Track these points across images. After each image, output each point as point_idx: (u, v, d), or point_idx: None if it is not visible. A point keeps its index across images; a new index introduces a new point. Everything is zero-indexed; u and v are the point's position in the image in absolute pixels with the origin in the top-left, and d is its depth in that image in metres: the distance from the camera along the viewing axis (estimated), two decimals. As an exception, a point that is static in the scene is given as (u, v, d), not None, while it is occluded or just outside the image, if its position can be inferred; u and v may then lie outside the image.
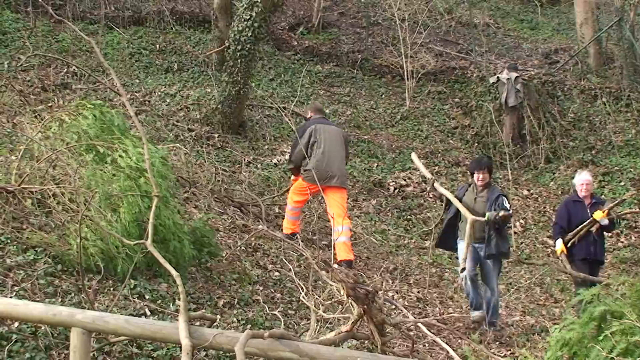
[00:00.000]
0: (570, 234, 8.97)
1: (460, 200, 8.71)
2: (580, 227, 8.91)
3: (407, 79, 16.59)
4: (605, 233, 9.30)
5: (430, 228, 11.63)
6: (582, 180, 9.20)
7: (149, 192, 6.66)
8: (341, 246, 9.24)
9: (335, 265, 7.78)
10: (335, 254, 8.95)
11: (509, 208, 8.51)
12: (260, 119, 14.00)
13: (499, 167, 14.40)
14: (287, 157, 10.15)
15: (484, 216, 8.37)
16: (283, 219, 10.52)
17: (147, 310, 6.28)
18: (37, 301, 5.62)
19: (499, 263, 8.79)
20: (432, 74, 17.61)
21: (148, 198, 6.68)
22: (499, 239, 8.50)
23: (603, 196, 11.64)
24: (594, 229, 8.89)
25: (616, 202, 9.32)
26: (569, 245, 8.99)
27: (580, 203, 9.14)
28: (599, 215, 8.81)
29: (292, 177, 10.39)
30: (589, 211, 8.98)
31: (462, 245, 8.59)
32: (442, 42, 19.66)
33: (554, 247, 9.50)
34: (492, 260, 8.60)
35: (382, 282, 9.41)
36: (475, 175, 8.78)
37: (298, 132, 10.15)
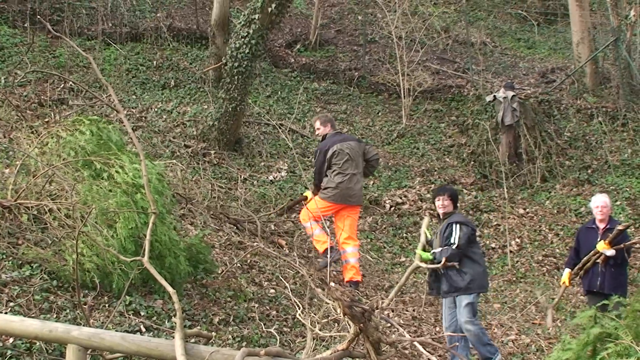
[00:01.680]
0: (580, 264, 8.40)
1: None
2: (586, 257, 8.33)
3: (404, 96, 16.66)
4: (619, 263, 8.27)
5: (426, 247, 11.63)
6: (598, 202, 8.49)
7: (146, 208, 6.68)
8: (350, 267, 9.31)
9: (332, 284, 7.79)
10: (339, 274, 8.97)
11: (456, 240, 7.49)
12: (256, 135, 14.04)
13: (495, 186, 14.44)
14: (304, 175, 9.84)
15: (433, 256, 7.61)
16: (279, 236, 10.55)
17: (142, 327, 6.28)
18: (33, 317, 5.62)
19: (468, 299, 7.59)
20: (428, 92, 17.68)
21: (145, 214, 6.69)
22: (453, 274, 7.56)
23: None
24: (600, 260, 8.18)
25: (615, 232, 8.06)
26: (578, 276, 8.49)
27: (593, 230, 8.48)
28: (601, 246, 8.12)
29: (307, 194, 10.13)
30: (600, 239, 8.28)
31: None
32: (439, 60, 19.75)
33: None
34: (455, 297, 7.66)
35: (379, 301, 9.41)
36: (436, 203, 7.97)
37: (320, 152, 9.84)
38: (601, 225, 8.43)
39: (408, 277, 7.35)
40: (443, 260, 7.10)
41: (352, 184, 9.57)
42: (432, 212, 12.88)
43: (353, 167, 9.60)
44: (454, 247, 7.46)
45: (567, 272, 8.59)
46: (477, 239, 8.44)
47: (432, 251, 7.60)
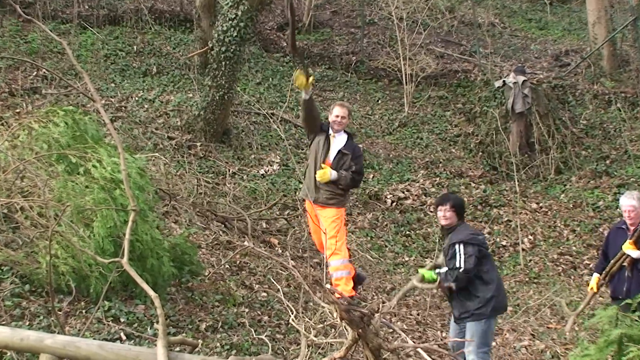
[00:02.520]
0: (607, 268, 8.12)
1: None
2: (613, 260, 8.03)
3: (406, 83, 16.65)
4: None
5: (431, 246, 11.65)
6: (625, 205, 8.08)
7: (125, 206, 6.65)
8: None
9: (328, 286, 7.77)
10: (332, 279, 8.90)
11: (457, 265, 7.03)
12: (246, 126, 14.01)
13: (506, 179, 14.44)
14: (341, 178, 8.72)
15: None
16: (271, 234, 10.53)
17: (122, 334, 6.26)
18: (3, 324, 5.59)
19: (479, 326, 7.17)
20: (432, 78, 17.67)
21: (124, 212, 6.66)
22: (464, 297, 7.14)
23: None
24: (626, 263, 7.92)
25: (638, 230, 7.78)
26: (606, 280, 8.21)
27: (622, 231, 8.13)
28: (627, 246, 7.84)
29: (334, 207, 8.90)
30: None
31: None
32: (443, 43, 19.74)
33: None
34: (466, 323, 7.25)
35: (379, 304, 9.40)
36: (437, 213, 7.45)
37: (361, 153, 9.20)
38: (632, 227, 8.05)
39: (403, 295, 7.30)
40: (449, 284, 6.93)
41: None
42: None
43: None
44: (460, 270, 7.01)
45: (595, 277, 8.32)
46: (488, 246, 8.01)
47: (436, 271, 7.22)
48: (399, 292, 6.91)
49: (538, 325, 9.95)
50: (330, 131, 8.84)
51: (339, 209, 8.73)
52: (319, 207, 8.63)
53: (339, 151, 8.77)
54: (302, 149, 13.85)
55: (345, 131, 8.93)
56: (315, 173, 8.74)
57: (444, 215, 7.28)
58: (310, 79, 8.65)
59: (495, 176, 14.65)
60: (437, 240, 11.84)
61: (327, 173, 8.64)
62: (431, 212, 12.97)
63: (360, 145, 14.67)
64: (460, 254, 6.96)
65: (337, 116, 8.81)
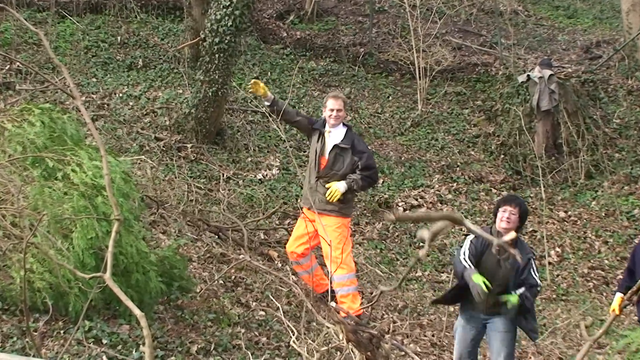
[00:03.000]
0: (634, 287, 7.66)
1: (479, 257, 7.24)
2: None
3: (419, 77, 16.65)
4: None
5: (447, 259, 11.64)
6: None
7: (108, 215, 6.65)
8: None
9: (333, 304, 7.76)
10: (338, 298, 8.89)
11: (538, 282, 7.08)
12: (242, 125, 14.02)
13: (530, 184, 14.43)
14: (359, 182, 8.66)
15: (504, 287, 7.12)
16: (270, 246, 10.53)
17: (104, 357, 6.26)
18: (-28, 347, 5.60)
19: (514, 340, 7.38)
20: (449, 72, 17.68)
21: (107, 221, 6.66)
22: (530, 316, 7.16)
23: None
24: None
25: None
26: (632, 301, 7.99)
27: None
28: None
29: (339, 216, 8.84)
30: None
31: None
32: (460, 34, 19.75)
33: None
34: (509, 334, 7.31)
35: (390, 324, 9.39)
36: (500, 213, 7.20)
37: (368, 148, 9.07)
38: None
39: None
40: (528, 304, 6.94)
41: None
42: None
43: None
44: (538, 288, 7.10)
45: (618, 297, 8.02)
46: None
47: (518, 292, 6.98)
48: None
49: (567, 348, 9.93)
50: (326, 126, 8.82)
51: (341, 218, 8.69)
52: (320, 214, 8.59)
53: (335, 146, 8.77)
54: (304, 151, 13.85)
55: (344, 124, 8.92)
56: (312, 178, 8.75)
57: (509, 217, 7.11)
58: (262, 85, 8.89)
59: (518, 181, 14.64)
60: (453, 253, 11.82)
61: (335, 189, 8.68)
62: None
63: (370, 147, 14.72)
64: (535, 271, 7.01)
65: (332, 110, 8.77)
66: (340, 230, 8.62)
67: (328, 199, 8.61)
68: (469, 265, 7.05)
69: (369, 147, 9.00)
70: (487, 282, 6.87)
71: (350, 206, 8.89)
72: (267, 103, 8.85)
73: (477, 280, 6.83)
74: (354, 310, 8.33)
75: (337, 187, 8.61)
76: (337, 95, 8.95)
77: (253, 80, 9.03)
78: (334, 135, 8.78)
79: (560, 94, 14.98)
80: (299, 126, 9.15)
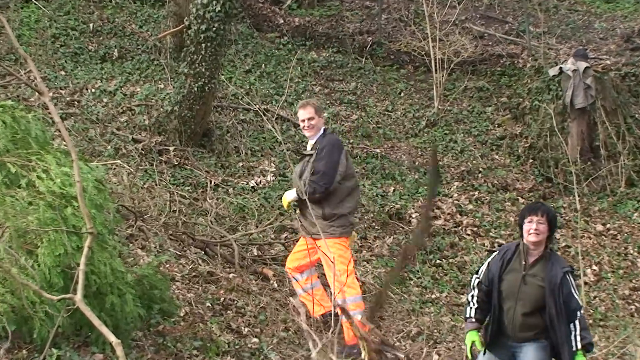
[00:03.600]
0: None
1: (499, 278, 7.17)
2: None
3: (436, 70, 16.65)
4: None
5: (468, 278, 11.62)
6: None
7: (79, 228, 6.65)
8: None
9: (358, 315, 7.80)
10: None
11: (580, 301, 6.94)
12: (232, 125, 14.03)
13: (563, 193, 14.42)
14: (311, 188, 8.54)
15: (534, 307, 6.99)
16: (265, 264, 10.53)
17: (75, 391, 6.26)
18: None
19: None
20: (469, 64, 17.69)
21: (77, 236, 6.66)
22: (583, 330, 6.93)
23: None
24: None
25: None
26: None
27: None
28: None
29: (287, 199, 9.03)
30: None
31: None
32: (483, 20, 19.77)
33: None
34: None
35: (421, 348, 9.38)
36: (526, 225, 7.06)
37: (334, 147, 8.93)
38: None
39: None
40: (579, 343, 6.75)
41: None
42: (478, 232, 12.91)
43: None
44: (580, 311, 6.89)
45: None
46: None
47: (577, 343, 6.80)
48: None
49: (606, 380, 9.92)
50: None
51: (332, 239, 8.61)
52: (313, 239, 8.62)
53: (303, 155, 8.98)
54: (301, 154, 13.86)
55: (325, 130, 8.94)
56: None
57: (537, 228, 6.95)
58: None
59: (549, 189, 14.64)
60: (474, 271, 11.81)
61: (284, 197, 8.91)
62: (468, 235, 12.96)
63: (377, 150, 14.74)
64: (574, 287, 6.85)
65: (303, 120, 8.80)
66: (337, 247, 8.55)
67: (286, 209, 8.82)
68: (470, 311, 7.26)
69: (341, 151, 8.75)
70: (477, 343, 7.07)
71: (338, 224, 8.75)
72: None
73: (468, 340, 7.02)
74: (349, 340, 8.37)
75: (285, 196, 8.81)
76: (304, 104, 8.92)
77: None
78: (309, 144, 8.88)
79: (597, 90, 14.97)
80: None
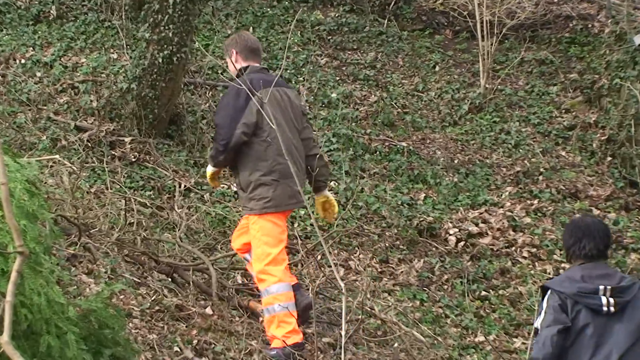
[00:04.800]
0: None
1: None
2: None
3: (483, 37, 16.69)
4: None
5: (524, 316, 11.65)
6: None
7: (4, 246, 6.71)
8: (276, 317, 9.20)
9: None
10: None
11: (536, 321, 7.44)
12: (209, 109, 14.08)
13: (651, 203, 14.46)
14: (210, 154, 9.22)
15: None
16: (251, 294, 10.57)
17: None
18: None
19: None
20: (527, 29, 17.74)
21: (2, 256, 6.72)
22: None
23: None
24: None
25: None
26: None
27: None
28: None
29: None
30: None
31: None
32: (546, -30, 19.83)
33: None
34: None
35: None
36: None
37: (227, 97, 9.38)
38: None
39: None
40: None
41: (294, 171, 9.23)
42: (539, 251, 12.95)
43: (291, 136, 9.41)
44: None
45: None
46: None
47: None
48: None
49: None
50: None
51: (253, 216, 8.95)
52: None
53: None
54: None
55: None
56: None
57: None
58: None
59: (634, 197, 14.65)
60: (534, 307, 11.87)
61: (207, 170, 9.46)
62: (524, 258, 13.00)
63: (403, 144, 14.81)
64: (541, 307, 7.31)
65: None
66: (257, 228, 8.93)
67: None
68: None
69: (239, 95, 8.92)
70: None
71: (259, 196, 8.92)
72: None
73: None
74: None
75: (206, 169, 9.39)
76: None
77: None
78: None
79: (699, 64, 15.03)
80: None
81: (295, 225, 12.17)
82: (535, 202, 14.19)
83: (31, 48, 14.27)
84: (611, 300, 7.03)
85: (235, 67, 9.20)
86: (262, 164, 8.83)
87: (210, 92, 14.49)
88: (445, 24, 18.16)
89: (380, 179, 13.72)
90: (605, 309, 7.05)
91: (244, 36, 9.77)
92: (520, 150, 15.50)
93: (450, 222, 13.52)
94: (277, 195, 8.77)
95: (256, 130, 8.88)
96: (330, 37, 17.25)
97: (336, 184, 13.47)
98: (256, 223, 8.79)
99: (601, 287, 7.05)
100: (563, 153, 15.63)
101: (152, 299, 9.58)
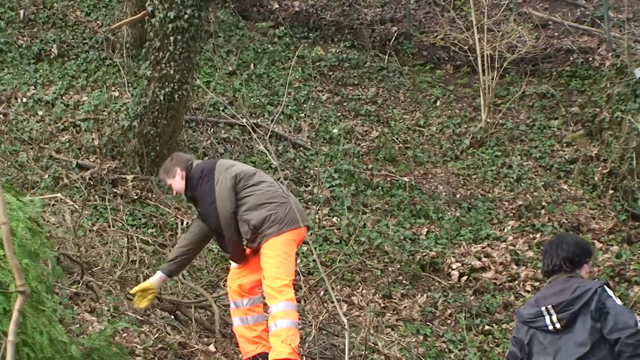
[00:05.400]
0: None
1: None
2: None
3: (484, 71, 16.71)
4: None
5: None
6: None
7: (6, 285, 6.70)
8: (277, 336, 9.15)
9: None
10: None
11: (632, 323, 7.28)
12: (211, 146, 14.08)
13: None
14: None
15: None
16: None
17: None
18: None
19: None
20: (528, 63, 17.75)
21: (4, 295, 6.71)
22: None
23: None
24: None
25: None
26: None
27: None
28: None
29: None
30: None
31: None
32: (547, 3, 19.85)
33: None
34: None
35: None
36: (587, 267, 7.86)
37: (202, 188, 9.34)
38: None
39: None
40: None
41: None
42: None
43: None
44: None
45: None
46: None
47: None
48: None
49: None
50: None
51: (272, 239, 9.01)
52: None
53: None
54: (303, 183, 13.91)
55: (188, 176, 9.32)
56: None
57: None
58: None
59: (636, 230, 14.64)
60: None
61: None
62: (527, 292, 12.98)
63: (405, 179, 14.82)
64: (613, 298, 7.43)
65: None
66: (280, 244, 9.01)
67: None
68: None
69: (210, 177, 9.11)
70: None
71: (269, 225, 9.09)
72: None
73: None
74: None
75: None
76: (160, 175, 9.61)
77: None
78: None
79: (702, 96, 15.03)
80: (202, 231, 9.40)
81: (298, 261, 12.15)
82: (538, 235, 14.18)
83: (33, 87, 14.30)
84: (554, 317, 7.28)
85: (179, 185, 9.27)
86: (264, 204, 8.93)
87: (212, 129, 14.50)
88: (446, 58, 18.19)
89: (383, 214, 13.72)
90: (550, 327, 7.31)
91: (180, 155, 9.94)
92: (522, 184, 15.50)
93: (453, 257, 13.51)
94: (291, 210, 8.85)
95: (240, 191, 9.05)
96: (331, 72, 17.29)
97: (338, 219, 13.48)
98: (275, 243, 8.78)
99: (543, 308, 7.32)
100: (565, 186, 15.63)
101: (155, 336, 9.57)
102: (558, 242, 7.64)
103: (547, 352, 7.46)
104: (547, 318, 7.32)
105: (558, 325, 7.25)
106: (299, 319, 9.14)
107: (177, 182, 9.14)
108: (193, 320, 10.27)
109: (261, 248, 8.79)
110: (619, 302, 7.26)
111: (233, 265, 9.18)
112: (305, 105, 15.91)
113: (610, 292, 7.23)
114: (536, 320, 7.42)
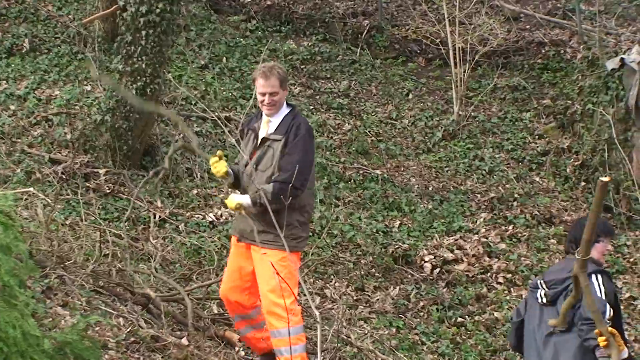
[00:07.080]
0: None
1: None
2: None
3: (456, 64, 16.74)
4: None
5: (500, 342, 11.68)
6: None
7: (-21, 279, 6.71)
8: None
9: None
10: None
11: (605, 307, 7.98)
12: (182, 139, 14.06)
13: (627, 226, 14.45)
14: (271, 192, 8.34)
15: None
16: (227, 325, 10.56)
17: None
18: None
19: None
20: (500, 55, 17.79)
21: (-23, 289, 6.72)
22: None
23: None
24: None
25: None
26: None
27: None
28: None
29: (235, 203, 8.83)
30: None
31: None
32: (518, -3, 19.91)
33: None
34: None
35: None
36: (601, 245, 8.41)
37: (310, 143, 8.92)
38: None
39: None
40: None
41: None
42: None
43: None
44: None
45: None
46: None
47: None
48: None
49: None
50: (263, 115, 8.79)
51: (283, 252, 8.60)
52: (251, 246, 8.73)
53: (264, 139, 8.75)
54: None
55: (288, 104, 8.90)
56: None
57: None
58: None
59: (609, 222, 14.67)
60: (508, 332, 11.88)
61: (231, 199, 8.69)
62: (499, 284, 13.03)
63: (378, 172, 14.84)
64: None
65: (263, 94, 8.62)
66: (284, 265, 8.56)
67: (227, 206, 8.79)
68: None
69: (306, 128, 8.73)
70: None
71: (294, 235, 8.71)
72: (231, 180, 8.76)
73: None
74: None
75: (232, 198, 8.67)
76: (267, 73, 8.59)
77: (214, 158, 8.73)
78: (272, 124, 8.69)
79: (671, 89, 15.07)
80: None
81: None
82: (510, 227, 14.23)
83: (4, 81, 14.26)
84: (542, 292, 8.15)
85: (281, 99, 8.77)
86: (306, 207, 8.78)
87: (185, 123, 14.49)
88: (418, 51, 18.22)
89: (355, 207, 13.75)
90: (539, 300, 8.18)
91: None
92: (495, 176, 15.55)
93: (426, 249, 13.55)
94: (307, 234, 8.87)
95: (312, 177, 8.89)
96: (303, 66, 17.30)
97: (311, 212, 13.49)
98: (285, 260, 8.48)
99: (540, 281, 8.26)
100: (537, 179, 15.68)
101: (128, 330, 9.57)
102: (573, 224, 8.96)
103: (535, 320, 8.30)
104: (540, 292, 8.19)
105: (544, 300, 8.09)
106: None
107: (283, 98, 8.73)
108: (165, 313, 10.27)
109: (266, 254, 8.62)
110: (598, 292, 7.86)
111: (233, 198, 8.69)
112: (277, 99, 15.91)
113: (595, 280, 7.92)
114: (534, 290, 8.29)
